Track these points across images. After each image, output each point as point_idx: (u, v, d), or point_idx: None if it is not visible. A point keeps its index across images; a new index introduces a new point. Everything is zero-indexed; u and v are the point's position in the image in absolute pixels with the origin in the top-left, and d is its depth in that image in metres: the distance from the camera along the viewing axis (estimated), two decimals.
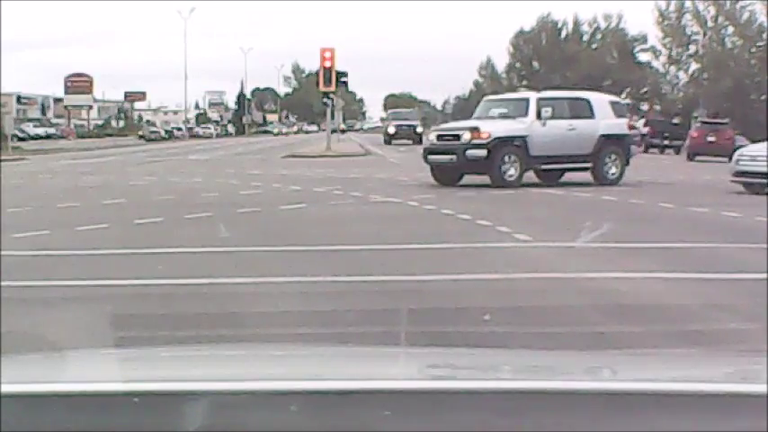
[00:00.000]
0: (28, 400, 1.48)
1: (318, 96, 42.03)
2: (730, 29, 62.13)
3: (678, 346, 5.70)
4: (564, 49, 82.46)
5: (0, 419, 1.39)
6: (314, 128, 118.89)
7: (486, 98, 24.08)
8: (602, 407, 1.45)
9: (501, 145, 20.07)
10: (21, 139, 59.88)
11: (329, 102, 37.58)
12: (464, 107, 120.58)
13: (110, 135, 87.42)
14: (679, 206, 15.24)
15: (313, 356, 2.26)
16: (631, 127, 23.36)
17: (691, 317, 6.86)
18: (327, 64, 34.77)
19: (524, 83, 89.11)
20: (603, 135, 21.17)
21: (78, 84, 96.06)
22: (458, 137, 20.51)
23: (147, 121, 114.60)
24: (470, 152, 20.02)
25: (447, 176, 20.68)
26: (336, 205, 16.00)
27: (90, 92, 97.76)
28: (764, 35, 57.88)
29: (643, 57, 79.25)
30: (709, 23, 63.91)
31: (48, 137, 78.83)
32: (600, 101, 22.18)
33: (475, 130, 20.42)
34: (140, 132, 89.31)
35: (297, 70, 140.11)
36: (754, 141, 57.20)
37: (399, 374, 1.91)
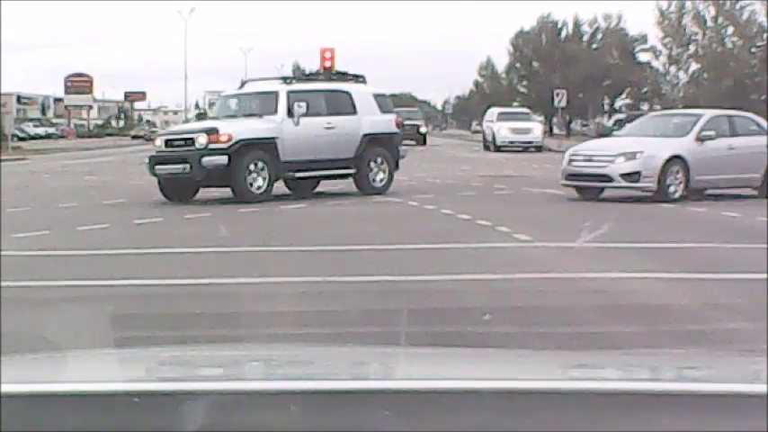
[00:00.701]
0: (28, 400, 1.48)
1: None
2: (730, 29, 62.10)
3: (678, 346, 5.70)
4: (564, 49, 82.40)
5: (0, 419, 1.39)
6: None
7: (224, 92, 20.73)
8: (602, 407, 1.45)
9: (245, 150, 16.49)
10: (21, 139, 59.89)
11: None
12: (464, 107, 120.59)
13: (110, 135, 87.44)
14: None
15: (313, 356, 2.26)
16: (400, 124, 19.58)
17: (691, 317, 6.86)
18: (327, 64, 34.75)
19: (524, 83, 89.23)
20: (367, 134, 17.90)
21: (78, 84, 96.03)
22: (191, 141, 16.64)
23: (147, 121, 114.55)
24: (207, 159, 16.26)
25: (179, 191, 16.76)
26: (336, 205, 16.00)
27: (90, 92, 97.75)
28: (764, 35, 57.87)
29: (643, 57, 79.22)
30: (709, 23, 63.88)
31: (48, 137, 78.82)
32: (362, 94, 18.42)
33: (212, 131, 16.65)
34: (133, 132, 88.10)
35: (297, 70, 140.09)
36: None
37: (399, 374, 1.91)
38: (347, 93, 18.22)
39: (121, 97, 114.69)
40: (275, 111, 17.18)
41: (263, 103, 17.53)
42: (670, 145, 16.98)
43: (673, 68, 69.90)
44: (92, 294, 7.78)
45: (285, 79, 18.62)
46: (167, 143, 17.20)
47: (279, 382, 1.62)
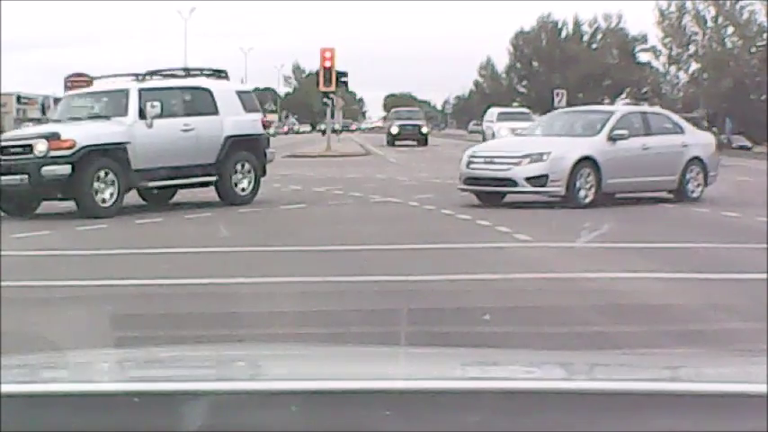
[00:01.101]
0: (28, 400, 1.48)
1: (318, 96, 42.02)
2: (730, 29, 62.11)
3: (678, 346, 5.70)
4: (564, 49, 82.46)
5: (0, 419, 1.39)
6: (307, 128, 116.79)
7: (68, 93, 18.65)
8: (602, 407, 1.45)
9: (91, 157, 14.34)
10: None
11: (329, 102, 37.57)
12: (464, 107, 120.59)
13: None
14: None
15: (313, 356, 2.26)
16: (267, 124, 17.95)
17: (691, 317, 6.86)
18: (327, 64, 34.75)
19: (524, 83, 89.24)
20: (230, 137, 15.91)
21: (78, 84, 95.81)
22: (29, 148, 14.25)
23: None
24: (48, 169, 14.03)
25: (20, 204, 14.49)
26: (336, 205, 16.00)
27: None
28: (764, 35, 57.87)
29: (643, 57, 79.28)
30: (710, 23, 63.89)
31: None
32: (225, 91, 16.35)
33: (53, 137, 14.35)
34: None
35: (297, 70, 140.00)
36: (755, 142, 57.23)
37: (399, 374, 1.91)
38: (207, 90, 16.03)
39: None
40: (125, 112, 15.02)
41: (112, 104, 15.31)
42: (580, 145, 15.73)
43: (673, 68, 69.90)
44: (92, 294, 7.78)
45: (138, 76, 15.99)
46: (2, 151, 14.45)
47: (279, 382, 1.62)
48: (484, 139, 45.58)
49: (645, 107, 20.71)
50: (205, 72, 16.85)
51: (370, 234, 11.67)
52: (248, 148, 16.31)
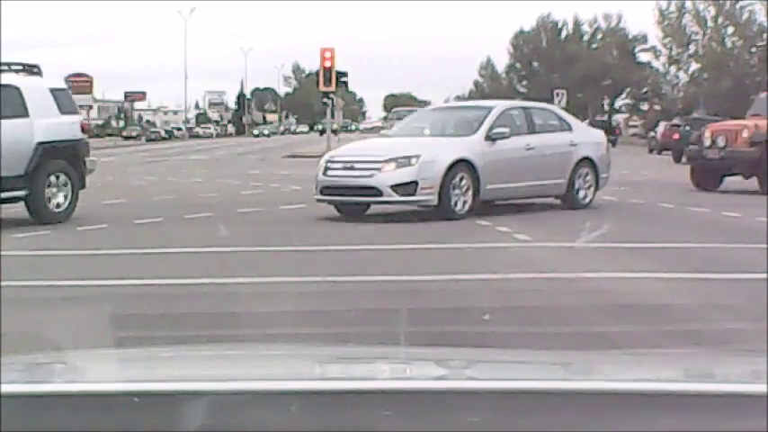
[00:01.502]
0: (28, 400, 1.48)
1: (318, 96, 42.04)
2: (730, 29, 62.14)
3: (678, 346, 5.70)
4: (564, 49, 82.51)
5: (0, 419, 1.39)
6: (304, 128, 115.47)
7: None
8: (602, 407, 1.45)
9: None
10: None
11: (329, 102, 37.57)
12: None
13: (110, 135, 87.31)
14: None
15: (313, 356, 2.26)
16: (87, 127, 15.13)
17: (691, 317, 6.86)
18: (327, 64, 34.74)
19: (524, 83, 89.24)
20: (43, 143, 13.27)
21: (78, 84, 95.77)
22: None
23: (147, 121, 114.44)
24: None
25: None
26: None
27: (90, 92, 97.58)
28: (764, 35, 57.90)
29: (643, 57, 79.35)
30: (710, 23, 63.91)
31: None
32: (36, 90, 13.59)
33: None
34: (125, 132, 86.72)
35: (297, 70, 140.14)
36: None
37: (399, 374, 1.91)
38: (16, 88, 13.29)
39: (121, 97, 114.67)
40: None
41: None
42: (454, 146, 13.71)
43: (673, 68, 69.95)
44: (92, 294, 7.78)
45: None
46: None
47: (279, 382, 1.61)
48: None
49: (529, 102, 18.49)
50: (13, 67, 13.98)
51: (369, 234, 11.68)
52: (65, 157, 13.67)
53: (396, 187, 13.20)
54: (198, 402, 1.44)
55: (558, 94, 50.35)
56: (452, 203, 13.30)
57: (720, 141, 19.11)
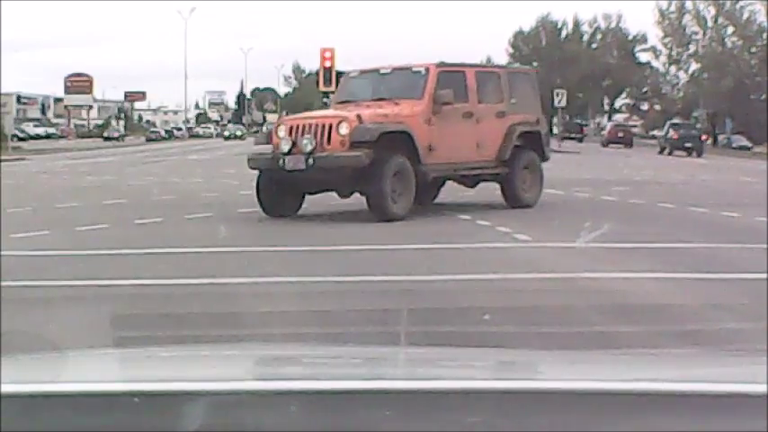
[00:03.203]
0: (28, 400, 1.48)
1: (318, 96, 41.99)
2: (730, 29, 62.14)
3: (678, 346, 5.70)
4: (564, 49, 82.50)
5: (0, 419, 1.39)
6: None
7: None
8: (602, 407, 1.45)
9: None
10: (21, 139, 59.91)
11: (329, 102, 37.53)
12: None
13: (106, 138, 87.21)
14: None
15: (313, 356, 2.25)
16: None
17: (691, 317, 6.86)
18: (327, 64, 34.69)
19: None
20: None
21: (78, 84, 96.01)
22: None
23: (147, 121, 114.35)
24: None
25: None
26: (336, 205, 15.97)
27: (90, 92, 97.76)
28: (764, 35, 57.89)
29: (643, 57, 79.39)
30: (710, 23, 63.92)
31: (47, 137, 78.79)
32: None
33: None
34: (106, 134, 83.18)
35: (297, 70, 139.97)
36: (755, 142, 57.48)
37: (399, 374, 1.91)
38: None
39: (121, 97, 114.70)
40: None
41: None
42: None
43: (673, 68, 70.01)
44: (92, 294, 7.78)
45: None
46: None
47: (279, 382, 1.61)
48: None
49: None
50: None
51: (370, 234, 11.67)
52: None
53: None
54: (198, 402, 1.44)
55: (558, 94, 50.37)
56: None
57: (306, 143, 13.24)
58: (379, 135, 13.17)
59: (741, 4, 60.50)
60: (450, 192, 16.03)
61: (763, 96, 55.98)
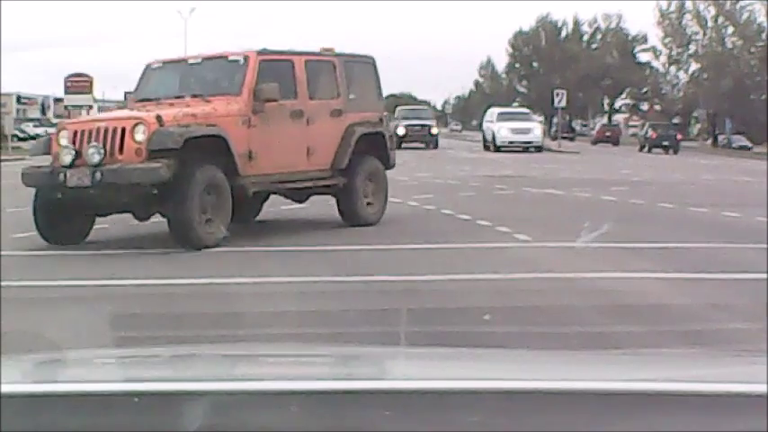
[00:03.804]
0: (28, 400, 1.48)
1: None
2: (730, 29, 62.13)
3: (678, 346, 5.70)
4: (564, 49, 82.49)
5: (0, 419, 1.39)
6: None
7: None
8: (602, 407, 1.45)
9: None
10: (21, 139, 59.81)
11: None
12: (464, 107, 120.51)
13: None
14: None
15: (313, 356, 2.26)
16: None
17: (691, 317, 6.86)
18: None
19: (524, 83, 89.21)
20: None
21: (78, 84, 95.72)
22: None
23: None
24: None
25: None
26: (336, 205, 15.96)
27: (90, 92, 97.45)
28: (764, 35, 57.89)
29: (643, 57, 79.36)
30: (710, 23, 63.92)
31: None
32: None
33: None
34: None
35: None
36: (755, 142, 57.85)
37: (399, 374, 1.91)
38: None
39: (121, 97, 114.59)
40: None
41: None
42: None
43: (673, 68, 70.00)
44: (92, 294, 7.78)
45: None
46: None
47: (279, 382, 1.61)
48: (484, 139, 45.63)
49: None
50: None
51: (370, 234, 11.68)
52: None
53: None
54: (198, 402, 1.44)
55: (558, 95, 50.41)
56: None
57: (92, 152, 10.62)
58: (184, 141, 10.50)
59: (741, 4, 60.51)
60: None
61: (763, 96, 55.99)
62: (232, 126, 11.18)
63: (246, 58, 11.73)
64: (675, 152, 47.46)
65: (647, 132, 51.75)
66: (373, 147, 12.96)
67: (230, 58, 12.00)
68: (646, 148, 49.61)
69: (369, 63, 13.47)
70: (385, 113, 13.75)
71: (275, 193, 12.67)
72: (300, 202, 13.25)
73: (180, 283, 8.35)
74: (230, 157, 11.07)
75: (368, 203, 12.81)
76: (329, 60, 12.78)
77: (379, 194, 13.03)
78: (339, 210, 12.81)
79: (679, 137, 50.92)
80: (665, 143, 48.75)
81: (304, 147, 12.15)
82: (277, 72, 11.85)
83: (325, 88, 12.58)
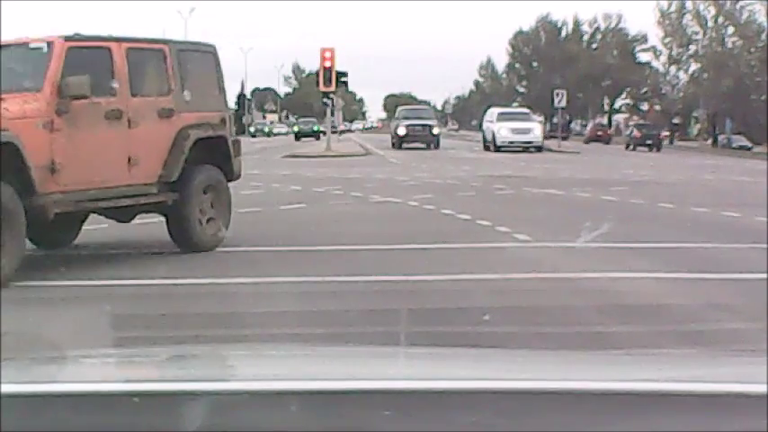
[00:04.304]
0: (28, 400, 1.48)
1: (318, 96, 42.00)
2: (730, 29, 62.13)
3: (678, 346, 5.71)
4: (564, 49, 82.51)
5: (0, 419, 1.39)
6: (282, 129, 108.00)
7: None
8: (603, 407, 1.45)
9: None
10: None
11: (329, 102, 37.54)
12: (464, 107, 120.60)
13: None
14: None
15: (313, 356, 2.26)
16: None
17: (691, 317, 6.86)
18: (327, 64, 34.73)
19: (524, 83, 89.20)
20: None
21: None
22: None
23: None
24: None
25: None
26: (336, 205, 15.99)
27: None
28: (764, 35, 57.88)
29: (643, 57, 79.38)
30: (710, 23, 63.92)
31: None
32: None
33: None
34: None
35: (297, 70, 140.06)
36: (755, 142, 58.01)
37: (399, 374, 1.91)
38: None
39: None
40: None
41: None
42: None
43: (673, 68, 69.98)
44: (92, 294, 7.79)
45: None
46: None
47: (279, 382, 1.62)
48: (484, 139, 45.65)
49: None
50: None
51: (370, 234, 11.68)
52: None
53: None
54: (198, 402, 1.44)
55: (558, 95, 50.44)
56: None
57: None
58: None
59: (741, 4, 60.49)
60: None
61: (763, 96, 55.98)
62: (28, 130, 8.87)
63: (50, 45, 9.36)
64: (658, 150, 51.49)
65: (632, 132, 56.59)
66: (213, 154, 10.76)
67: (31, 45, 9.56)
68: (631, 147, 53.25)
69: (209, 52, 11.12)
70: (229, 114, 11.43)
71: (88, 212, 10.33)
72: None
73: (180, 283, 8.36)
74: (24, 171, 8.82)
75: (208, 220, 10.61)
76: (158, 48, 10.44)
77: (221, 213, 10.79)
78: (169, 231, 10.53)
79: (661, 135, 55.40)
80: (649, 142, 52.93)
81: (124, 155, 9.93)
82: (90, 62, 9.58)
83: (153, 83, 10.37)
